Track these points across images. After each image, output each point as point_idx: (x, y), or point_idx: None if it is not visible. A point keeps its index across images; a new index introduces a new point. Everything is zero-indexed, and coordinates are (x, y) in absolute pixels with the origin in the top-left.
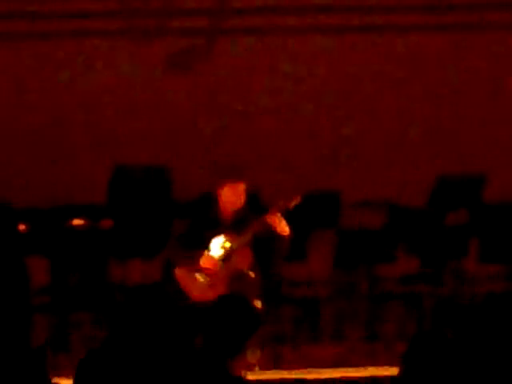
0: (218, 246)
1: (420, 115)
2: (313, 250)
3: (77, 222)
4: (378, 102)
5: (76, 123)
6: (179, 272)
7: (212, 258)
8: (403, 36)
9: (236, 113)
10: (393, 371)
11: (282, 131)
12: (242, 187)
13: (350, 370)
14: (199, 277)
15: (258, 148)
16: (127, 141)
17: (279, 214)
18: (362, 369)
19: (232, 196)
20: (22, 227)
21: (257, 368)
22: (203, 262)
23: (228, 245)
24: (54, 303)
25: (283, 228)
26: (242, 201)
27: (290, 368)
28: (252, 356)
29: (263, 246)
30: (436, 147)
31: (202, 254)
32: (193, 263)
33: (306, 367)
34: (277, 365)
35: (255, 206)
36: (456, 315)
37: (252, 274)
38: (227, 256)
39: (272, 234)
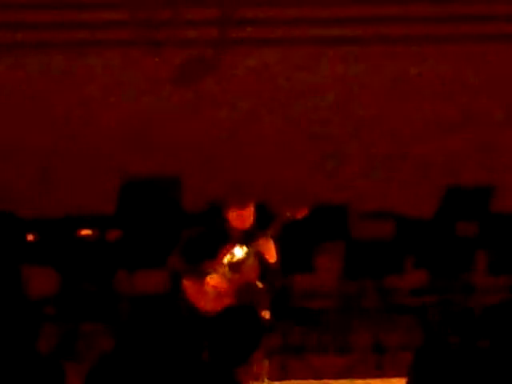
0: (226, 257)
1: (428, 126)
2: (320, 262)
3: (85, 232)
4: (385, 112)
5: (85, 133)
6: (187, 282)
7: (220, 268)
8: (412, 44)
9: (243, 123)
10: (400, 383)
11: (290, 142)
12: (249, 211)
13: (358, 381)
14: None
15: (266, 158)
16: (136, 150)
17: (271, 241)
18: (369, 380)
19: (239, 220)
20: (30, 237)
21: (265, 379)
22: (211, 274)
23: (236, 256)
24: (61, 313)
25: (271, 255)
26: (250, 222)
27: (297, 379)
28: (260, 366)
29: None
30: (444, 158)
31: (210, 265)
32: (201, 274)
33: (313, 378)
34: (284, 376)
35: (264, 218)
36: (464, 326)
37: (260, 285)
38: (235, 267)
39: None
